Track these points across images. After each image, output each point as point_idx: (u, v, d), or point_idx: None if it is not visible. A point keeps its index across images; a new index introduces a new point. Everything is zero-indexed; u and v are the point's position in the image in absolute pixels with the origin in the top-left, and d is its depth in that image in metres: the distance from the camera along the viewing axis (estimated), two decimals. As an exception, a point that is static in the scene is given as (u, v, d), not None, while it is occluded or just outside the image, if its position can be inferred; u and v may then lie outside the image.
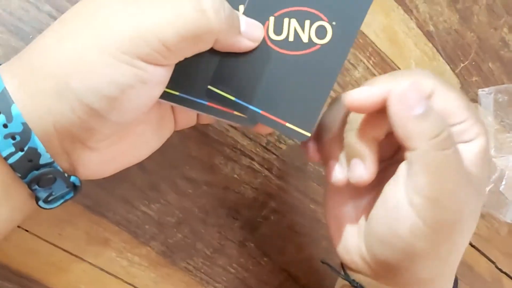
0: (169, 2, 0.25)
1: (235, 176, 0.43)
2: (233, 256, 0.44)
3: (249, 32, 0.29)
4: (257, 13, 0.29)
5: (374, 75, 0.49)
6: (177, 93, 0.30)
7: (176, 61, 0.27)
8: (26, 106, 0.24)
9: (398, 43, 0.50)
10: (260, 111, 0.30)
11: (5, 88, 0.24)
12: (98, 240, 0.38)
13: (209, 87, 0.30)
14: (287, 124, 0.30)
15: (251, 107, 0.30)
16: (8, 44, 0.34)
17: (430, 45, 0.52)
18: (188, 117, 0.34)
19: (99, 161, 0.28)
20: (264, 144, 0.44)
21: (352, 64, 0.48)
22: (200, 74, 0.30)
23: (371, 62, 0.49)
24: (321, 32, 0.30)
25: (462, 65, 0.54)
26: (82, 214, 0.37)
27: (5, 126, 0.24)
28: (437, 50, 0.53)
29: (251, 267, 0.45)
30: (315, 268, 0.48)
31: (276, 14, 0.30)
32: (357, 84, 0.48)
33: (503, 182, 0.55)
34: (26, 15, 0.34)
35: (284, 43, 0.30)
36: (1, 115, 0.24)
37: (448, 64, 0.54)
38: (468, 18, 0.54)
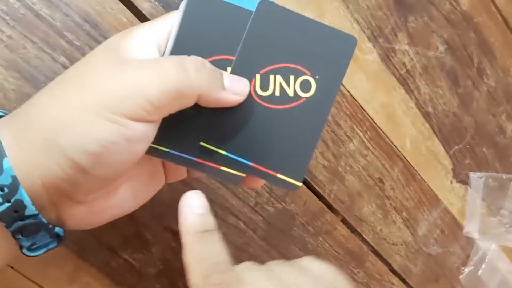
0: (152, 63, 0.27)
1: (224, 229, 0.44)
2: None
3: (234, 87, 0.30)
4: (243, 71, 0.31)
5: (369, 149, 0.51)
6: (165, 149, 0.31)
7: (160, 117, 0.28)
8: (16, 159, 0.26)
9: (396, 120, 0.52)
10: (251, 164, 0.31)
11: (0, 142, 0.25)
12: (80, 283, 0.39)
13: (201, 143, 0.31)
14: (278, 175, 0.32)
15: (242, 160, 0.31)
16: (21, 90, 0.36)
17: (427, 125, 0.54)
18: (178, 171, 0.35)
19: (86, 214, 0.29)
20: (252, 205, 0.45)
21: (348, 136, 0.49)
22: (189, 130, 0.31)
23: (367, 136, 0.50)
24: (305, 86, 0.31)
25: (456, 147, 0.56)
26: (67, 257, 0.39)
27: None
28: (434, 131, 0.54)
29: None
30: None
31: (262, 72, 0.31)
32: (351, 156, 0.50)
33: (483, 266, 0.56)
34: (41, 65, 0.36)
35: (271, 98, 0.31)
36: None
37: (443, 145, 0.55)
38: (468, 103, 0.56)
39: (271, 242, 0.47)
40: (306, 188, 0.48)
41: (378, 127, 0.51)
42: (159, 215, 0.42)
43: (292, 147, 0.32)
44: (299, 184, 0.32)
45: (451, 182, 0.57)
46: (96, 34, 0.38)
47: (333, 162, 0.49)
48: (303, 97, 0.31)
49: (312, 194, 0.49)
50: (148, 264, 0.42)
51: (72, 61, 0.37)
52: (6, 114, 0.29)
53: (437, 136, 0.55)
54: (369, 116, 0.50)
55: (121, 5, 0.38)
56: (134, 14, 0.39)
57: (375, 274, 0.53)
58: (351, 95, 0.49)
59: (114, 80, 0.26)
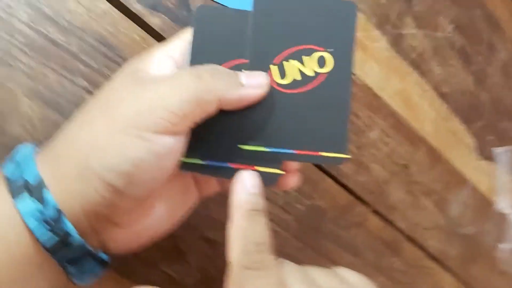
0: (169, 77, 0.28)
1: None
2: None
3: (252, 81, 0.30)
4: (257, 67, 0.31)
5: (389, 136, 0.51)
6: (199, 162, 0.31)
7: (185, 127, 0.28)
8: (56, 191, 0.27)
9: (413, 105, 0.52)
10: (294, 151, 0.31)
11: (41, 177, 0.26)
12: (122, 300, 0.40)
13: (240, 146, 0.31)
14: (323, 154, 0.31)
15: (284, 150, 0.31)
16: (47, 118, 0.37)
17: (445, 106, 0.54)
18: (210, 185, 0.36)
19: (127, 236, 0.30)
20: (282, 205, 0.46)
21: (367, 125, 0.49)
22: (223, 137, 0.31)
23: (386, 123, 0.50)
24: (322, 62, 0.32)
25: (477, 124, 0.56)
26: (107, 275, 0.39)
27: (40, 212, 0.26)
28: (452, 111, 0.54)
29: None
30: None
31: (275, 62, 0.31)
32: (373, 145, 0.50)
33: (520, 241, 0.55)
34: (63, 90, 0.37)
35: (293, 84, 0.31)
36: (37, 202, 0.26)
37: (463, 124, 0.55)
38: (482, 79, 0.56)
39: (305, 240, 0.47)
40: (333, 182, 0.48)
41: (396, 113, 0.51)
42: (193, 226, 0.42)
43: (327, 123, 0.32)
44: (346, 156, 0.32)
45: (476, 160, 0.56)
46: (112, 54, 0.38)
47: (356, 154, 0.49)
48: (323, 73, 0.32)
49: (340, 187, 0.49)
50: (187, 275, 0.42)
51: (92, 83, 0.38)
52: (37, 146, 0.30)
53: (456, 116, 0.54)
54: (386, 103, 0.50)
55: (133, 23, 0.39)
56: (146, 31, 0.40)
57: (412, 262, 0.53)
58: (365, 84, 0.49)
59: (135, 98, 0.27)
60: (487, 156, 0.57)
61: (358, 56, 0.49)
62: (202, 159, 0.31)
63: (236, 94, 0.29)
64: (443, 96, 0.54)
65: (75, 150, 0.27)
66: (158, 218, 0.32)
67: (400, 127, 0.51)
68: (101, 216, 0.28)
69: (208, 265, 0.43)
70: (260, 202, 0.29)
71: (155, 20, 0.40)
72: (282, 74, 0.32)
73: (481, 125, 0.56)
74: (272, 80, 0.31)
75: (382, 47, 0.50)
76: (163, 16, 0.40)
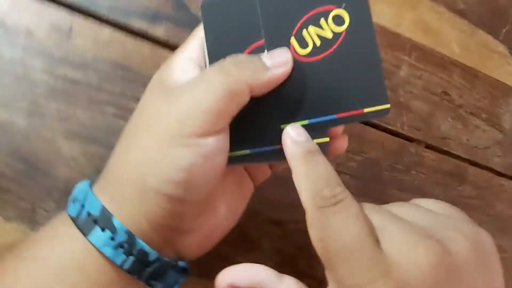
0: (197, 80, 0.28)
1: (317, 206, 0.45)
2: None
3: (276, 61, 0.30)
4: (277, 44, 0.31)
5: (420, 68, 0.50)
6: (245, 152, 0.31)
7: (225, 123, 0.29)
8: (121, 215, 0.28)
9: (434, 31, 0.51)
10: (336, 116, 0.31)
11: (103, 206, 0.28)
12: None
13: (282, 125, 0.31)
14: (366, 110, 0.31)
15: (325, 118, 0.31)
16: (89, 152, 0.38)
17: (466, 21, 0.52)
18: (261, 171, 0.36)
19: (198, 241, 0.31)
20: (334, 168, 0.45)
21: (394, 65, 0.49)
22: (262, 122, 0.31)
23: (412, 57, 0.49)
24: (338, 20, 0.31)
25: (504, 30, 0.54)
26: (188, 280, 0.40)
27: (112, 238, 0.27)
28: (475, 25, 0.52)
29: None
30: None
31: (293, 33, 0.31)
32: (406, 83, 0.49)
33: None
34: (95, 123, 0.38)
35: (316, 50, 0.31)
36: (107, 230, 0.27)
37: (490, 34, 0.53)
38: (496, -17, 0.54)
39: (367, 194, 0.47)
40: (378, 131, 0.48)
41: (420, 44, 0.50)
42: (256, 212, 0.43)
43: (361, 78, 0.31)
44: (388, 105, 0.31)
45: (515, 65, 0.54)
46: (129, 74, 0.39)
47: (391, 96, 0.48)
48: (343, 31, 0.31)
49: (386, 134, 0.48)
50: (264, 260, 0.43)
51: (120, 107, 0.39)
52: (92, 181, 0.32)
53: (480, 28, 0.53)
54: (406, 38, 0.49)
55: (139, 40, 0.40)
56: (153, 43, 0.41)
57: (481, 184, 0.52)
58: (380, 26, 0.48)
59: (171, 108, 0.28)
60: (525, 58, 0.55)
61: None
62: (248, 148, 0.31)
63: (264, 77, 0.29)
64: (461, 13, 0.52)
65: (129, 172, 0.28)
66: (223, 215, 0.33)
67: (428, 56, 0.50)
68: (170, 227, 0.29)
69: (282, 245, 0.43)
70: (311, 144, 0.29)
71: (158, 31, 0.41)
72: (303, 44, 0.31)
73: (508, 29, 0.54)
74: (295, 52, 0.31)
75: (384, -16, 0.49)
76: (164, 24, 0.41)
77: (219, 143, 0.28)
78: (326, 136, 0.31)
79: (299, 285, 0.29)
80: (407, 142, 0.49)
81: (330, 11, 0.31)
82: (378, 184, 0.47)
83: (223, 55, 0.30)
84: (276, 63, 0.30)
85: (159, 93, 0.30)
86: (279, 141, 0.31)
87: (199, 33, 0.32)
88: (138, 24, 0.40)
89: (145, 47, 0.40)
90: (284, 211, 0.44)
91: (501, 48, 0.54)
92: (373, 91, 0.31)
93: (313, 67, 0.31)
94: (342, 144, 0.33)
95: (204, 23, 0.31)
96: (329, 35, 0.31)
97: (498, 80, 0.53)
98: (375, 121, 0.48)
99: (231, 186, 0.33)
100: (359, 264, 0.24)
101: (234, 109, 0.29)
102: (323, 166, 0.28)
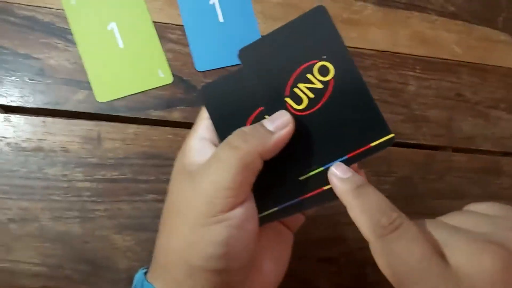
0: (212, 160, 0.31)
1: (361, 235, 0.46)
2: None
3: (278, 124, 0.32)
4: (274, 107, 0.33)
5: (427, 79, 0.51)
6: (274, 210, 0.33)
7: (247, 193, 0.31)
8: None
9: (431, 39, 0.52)
10: (347, 156, 0.33)
11: None
12: None
13: (300, 178, 0.33)
14: (372, 144, 0.33)
15: (337, 161, 0.33)
16: (142, 240, 0.42)
17: (460, 21, 0.53)
18: (296, 219, 0.38)
19: None
20: (369, 194, 0.47)
21: (401, 83, 0.50)
22: (281, 179, 0.33)
23: (417, 70, 0.51)
24: (324, 70, 0.33)
25: (500, 19, 0.54)
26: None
27: None
28: (470, 22, 0.54)
29: None
30: None
31: (286, 94, 0.33)
32: (417, 95, 0.50)
33: None
34: (139, 212, 0.42)
35: (312, 102, 0.33)
36: None
37: (488, 26, 0.54)
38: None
39: (409, 211, 0.48)
40: (403, 148, 0.49)
41: (421, 56, 0.51)
42: (305, 255, 0.45)
43: (360, 116, 0.33)
44: (392, 134, 0.33)
45: (522, 48, 0.55)
46: (159, 162, 0.43)
47: (406, 112, 0.50)
48: (331, 78, 0.33)
49: (411, 148, 0.49)
50: (325, 298, 0.44)
51: (158, 192, 0.43)
52: (147, 268, 0.35)
53: (476, 24, 0.54)
54: (407, 54, 0.51)
55: (160, 128, 0.44)
56: (174, 127, 0.44)
57: (519, 171, 0.52)
58: (378, 50, 0.50)
59: (197, 193, 0.31)
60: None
61: (358, 32, 0.50)
62: (274, 207, 0.33)
63: (271, 142, 0.31)
64: (453, 15, 0.53)
65: (174, 259, 0.31)
66: (270, 270, 0.35)
67: (432, 65, 0.52)
68: None
69: (338, 280, 0.45)
70: (359, 178, 0.31)
71: (175, 115, 0.45)
72: (298, 100, 0.34)
73: (504, 16, 0.55)
74: (294, 110, 0.33)
75: (371, 11, 0.51)
76: (179, 108, 0.45)
77: (247, 211, 0.31)
78: None
79: None
80: (433, 151, 0.50)
81: (314, 65, 0.34)
82: (415, 199, 0.49)
83: (230, 130, 0.32)
84: (278, 126, 0.32)
85: (182, 179, 0.33)
86: (300, 193, 0.33)
87: (205, 113, 0.35)
88: (156, 114, 0.44)
89: (167, 133, 0.44)
90: (331, 247, 0.46)
91: (503, 36, 0.54)
92: (373, 125, 0.33)
93: (314, 118, 0.33)
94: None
95: (206, 106, 0.34)
96: (319, 85, 0.33)
97: (509, 68, 0.54)
98: (398, 139, 0.49)
99: (270, 241, 0.35)
100: (430, 283, 0.26)
101: (251, 178, 0.31)
102: (376, 197, 0.30)
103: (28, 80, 0.43)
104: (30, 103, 0.43)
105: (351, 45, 0.50)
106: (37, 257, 0.40)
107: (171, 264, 0.31)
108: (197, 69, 0.46)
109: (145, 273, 0.33)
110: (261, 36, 0.34)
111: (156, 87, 0.45)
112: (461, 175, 0.50)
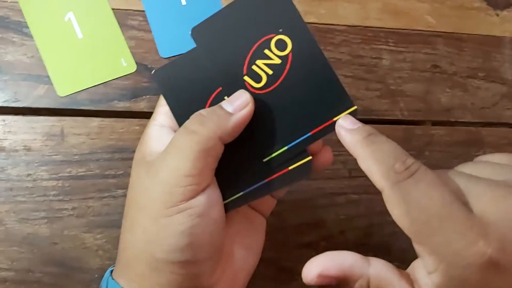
0: (169, 147, 0.30)
1: (342, 217, 0.45)
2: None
3: (237, 105, 0.31)
4: (233, 86, 0.32)
5: (402, 52, 0.49)
6: (239, 195, 0.32)
7: (209, 177, 0.30)
8: None
9: (403, 11, 0.50)
10: (310, 133, 0.32)
11: None
12: None
13: (264, 159, 0.32)
14: (336, 118, 0.31)
15: (301, 138, 0.32)
16: (113, 237, 0.40)
17: (433, -9, 0.52)
18: (266, 203, 0.37)
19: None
20: (348, 175, 0.46)
21: (375, 58, 0.49)
22: (243, 162, 0.32)
23: (390, 44, 0.49)
24: (281, 44, 0.32)
25: (474, -15, 0.53)
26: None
27: None
28: (443, -10, 0.52)
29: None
30: None
31: (244, 72, 0.32)
32: (392, 70, 0.49)
33: None
34: (109, 208, 0.41)
35: (271, 79, 0.32)
36: None
37: (461, -6, 0.53)
38: None
39: (389, 188, 0.47)
40: (381, 125, 0.48)
41: (393, 28, 0.50)
42: (284, 242, 0.44)
43: (321, 91, 0.32)
44: (355, 106, 0.31)
45: (497, 15, 0.53)
46: (127, 155, 0.42)
47: (382, 87, 0.48)
48: (289, 53, 0.32)
49: (389, 125, 0.48)
50: (308, 286, 0.43)
51: (127, 187, 0.41)
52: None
53: (449, -8, 0.52)
54: (379, 27, 0.49)
55: (126, 120, 0.42)
56: (140, 118, 0.43)
57: (501, 141, 0.51)
58: (349, 25, 0.49)
59: (156, 183, 0.29)
60: (505, 5, 0.54)
61: (327, 8, 0.49)
62: (239, 191, 0.32)
63: (230, 124, 0.30)
64: (425, -16, 0.52)
65: (138, 253, 0.30)
66: (242, 258, 0.34)
67: (406, 37, 0.50)
68: None
69: (319, 265, 0.44)
70: (368, 127, 0.29)
71: (141, 105, 0.43)
72: (257, 78, 0.32)
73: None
74: (253, 88, 0.32)
75: (339, -15, 0.49)
76: (144, 97, 0.43)
77: (210, 198, 0.29)
78: (308, 155, 0.32)
79: (387, 265, 0.28)
80: (412, 126, 0.49)
81: (271, 39, 0.32)
82: (396, 176, 0.47)
83: (189, 114, 0.31)
84: (237, 107, 0.31)
85: (141, 169, 0.31)
86: (266, 175, 0.32)
87: (163, 99, 0.34)
88: (121, 105, 0.43)
89: (134, 125, 0.42)
90: (312, 231, 0.44)
91: (477, 3, 0.53)
92: (335, 99, 0.32)
93: (274, 95, 0.32)
94: (327, 156, 0.34)
95: (161, 90, 0.33)
96: (278, 61, 0.32)
97: (485, 35, 0.52)
98: (375, 116, 0.48)
99: (240, 227, 0.34)
100: (454, 230, 0.24)
101: (212, 163, 0.30)
102: (388, 143, 0.28)
103: (-16, 78, 0.41)
104: (-13, 102, 0.41)
105: (320, 22, 0.48)
106: (4, 262, 0.38)
107: (135, 259, 0.30)
108: (161, 55, 0.44)
109: (112, 272, 0.32)
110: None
111: (120, 77, 0.43)
112: (442, 149, 0.49)
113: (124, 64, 0.43)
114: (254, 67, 0.32)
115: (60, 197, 0.40)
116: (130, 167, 0.41)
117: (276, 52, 0.32)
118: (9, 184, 0.40)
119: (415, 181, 0.25)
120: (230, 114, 0.30)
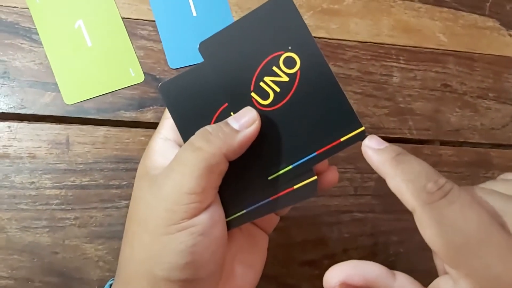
0: (174, 163, 0.29)
1: (346, 235, 0.45)
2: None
3: (243, 122, 0.30)
4: (239, 103, 0.31)
5: (412, 69, 0.49)
6: (242, 212, 0.31)
7: (212, 197, 0.29)
8: None
9: (415, 28, 0.50)
10: (316, 153, 0.31)
11: None
12: None
13: (269, 178, 0.31)
14: (342, 139, 0.31)
15: (307, 158, 0.31)
16: (115, 248, 0.40)
17: (446, 8, 0.51)
18: (270, 220, 0.36)
19: None
20: (354, 193, 0.45)
21: (385, 75, 0.48)
22: (248, 180, 0.31)
23: (401, 61, 0.49)
24: (290, 62, 0.31)
25: (487, 4, 0.52)
26: None
27: None
28: (456, 9, 0.51)
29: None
30: None
31: (251, 89, 0.32)
32: (402, 87, 0.48)
33: None
34: (112, 219, 0.40)
35: (278, 96, 0.31)
36: None
37: (474, 13, 0.52)
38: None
39: (393, 210, 0.46)
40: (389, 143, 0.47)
41: (405, 46, 0.49)
42: (287, 259, 0.43)
43: (329, 110, 0.31)
44: (363, 128, 0.31)
45: (510, 35, 0.53)
46: (131, 165, 0.41)
47: (391, 105, 0.48)
48: (297, 70, 0.31)
49: (397, 143, 0.48)
50: (310, 302, 0.43)
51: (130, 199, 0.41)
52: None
53: (462, 11, 0.52)
54: (389, 44, 0.49)
55: (132, 130, 0.42)
56: (146, 128, 0.42)
57: (509, 163, 0.50)
58: (360, 41, 0.48)
59: (157, 199, 0.29)
60: (518, 24, 0.53)
61: (338, 23, 0.48)
62: (243, 209, 0.31)
63: (236, 142, 0.29)
64: (438, 2, 0.51)
65: (138, 270, 0.29)
66: (243, 275, 0.33)
67: (417, 55, 0.50)
68: None
69: (320, 283, 0.43)
70: (396, 147, 0.28)
71: (148, 116, 0.43)
72: (265, 95, 0.32)
73: (492, 1, 0.52)
74: (260, 105, 0.32)
75: (352, 0, 0.49)
76: (151, 108, 0.43)
77: (213, 216, 0.29)
78: (313, 175, 0.31)
79: (413, 281, 0.28)
80: (420, 145, 0.48)
81: (279, 56, 0.32)
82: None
83: (194, 129, 0.30)
84: (244, 124, 0.30)
85: (144, 184, 0.31)
86: (270, 193, 0.31)
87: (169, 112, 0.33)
88: (127, 115, 0.42)
89: (140, 135, 0.42)
90: (314, 250, 0.44)
91: (490, 22, 0.52)
92: (343, 119, 0.31)
93: (281, 113, 0.31)
94: (333, 176, 0.33)
95: (166, 104, 0.32)
96: (286, 78, 0.31)
97: (497, 55, 0.52)
98: (383, 134, 0.47)
99: (242, 245, 0.34)
100: (492, 253, 0.23)
101: (216, 180, 0.29)
102: (418, 163, 0.27)
103: (-9, 84, 0.41)
104: (-6, 107, 0.41)
105: (331, 37, 0.48)
106: (4, 270, 0.38)
107: (134, 275, 0.29)
108: (170, 66, 0.44)
109: (111, 286, 0.32)
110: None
111: (127, 87, 0.43)
112: (450, 169, 0.48)
113: (132, 74, 0.43)
114: (261, 83, 0.32)
115: (63, 206, 0.40)
116: (132, 177, 0.41)
117: (284, 70, 0.32)
118: (12, 192, 0.39)
119: (449, 202, 0.24)
120: (237, 131, 0.30)
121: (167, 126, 0.33)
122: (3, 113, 0.41)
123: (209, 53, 0.32)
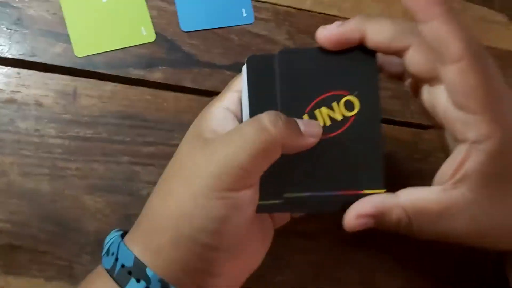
0: (235, 134, 0.30)
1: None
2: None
3: (309, 131, 0.32)
4: (291, 116, 0.32)
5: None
6: (275, 202, 0.33)
7: (257, 178, 0.30)
8: (155, 264, 0.29)
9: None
10: (335, 193, 0.33)
11: (136, 257, 0.29)
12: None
13: (285, 195, 0.33)
14: (362, 192, 0.33)
15: (326, 193, 0.33)
16: (113, 202, 0.40)
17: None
18: (282, 216, 0.38)
19: (226, 283, 0.32)
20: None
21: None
22: (288, 173, 0.33)
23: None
24: (349, 106, 0.33)
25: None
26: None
27: None
28: (466, 0, 0.52)
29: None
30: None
31: (307, 111, 0.33)
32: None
33: None
34: (113, 173, 0.40)
35: (325, 129, 0.33)
36: (142, 281, 0.28)
37: (484, 6, 0.53)
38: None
39: (391, 190, 0.47)
40: (389, 125, 0.48)
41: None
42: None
43: (362, 163, 0.33)
44: (383, 190, 0.33)
45: (518, 31, 0.53)
46: (136, 122, 0.42)
47: (395, 88, 0.48)
48: (352, 116, 0.33)
49: (398, 126, 0.48)
50: (301, 274, 0.43)
51: (133, 155, 0.41)
52: (120, 231, 0.33)
53: (472, 2, 0.52)
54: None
55: (139, 88, 0.42)
56: (153, 88, 0.43)
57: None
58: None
59: (209, 161, 0.29)
60: None
61: (351, 1, 0.49)
62: (277, 199, 0.33)
63: (297, 142, 0.31)
64: None
65: (164, 223, 0.30)
66: (250, 258, 0.34)
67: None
68: (202, 271, 0.30)
69: (316, 257, 0.44)
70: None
71: (156, 75, 0.43)
72: None
73: (502, -3, 0.53)
74: None
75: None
76: (160, 68, 0.43)
77: (250, 196, 0.30)
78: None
79: (412, 191, 0.32)
80: (420, 130, 0.49)
81: (343, 96, 0.33)
82: (400, 179, 0.47)
83: (263, 109, 0.31)
84: (309, 132, 0.31)
85: (198, 144, 0.31)
86: (309, 189, 0.33)
87: (236, 86, 0.34)
88: (135, 72, 0.42)
89: (146, 93, 0.42)
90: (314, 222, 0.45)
91: (499, 17, 0.53)
92: (372, 175, 0.33)
93: (321, 145, 0.33)
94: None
95: (248, 76, 0.33)
96: (339, 117, 0.33)
97: (503, 50, 0.52)
98: (385, 115, 0.48)
99: (257, 230, 0.34)
100: None
101: (266, 166, 0.30)
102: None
103: (5, 29, 0.41)
104: (5, 53, 0.41)
105: (342, 15, 0.48)
106: (2, 213, 0.38)
107: (159, 228, 0.30)
108: (182, 29, 0.44)
109: (122, 236, 0.32)
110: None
111: (138, 45, 0.43)
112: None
113: (144, 32, 0.43)
114: (317, 111, 0.33)
115: (65, 156, 0.40)
116: (138, 135, 0.41)
117: (342, 109, 0.33)
118: (16, 137, 0.39)
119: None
120: (302, 133, 0.31)
121: (232, 98, 0.34)
122: (13, 59, 0.41)
123: (285, 62, 0.34)
